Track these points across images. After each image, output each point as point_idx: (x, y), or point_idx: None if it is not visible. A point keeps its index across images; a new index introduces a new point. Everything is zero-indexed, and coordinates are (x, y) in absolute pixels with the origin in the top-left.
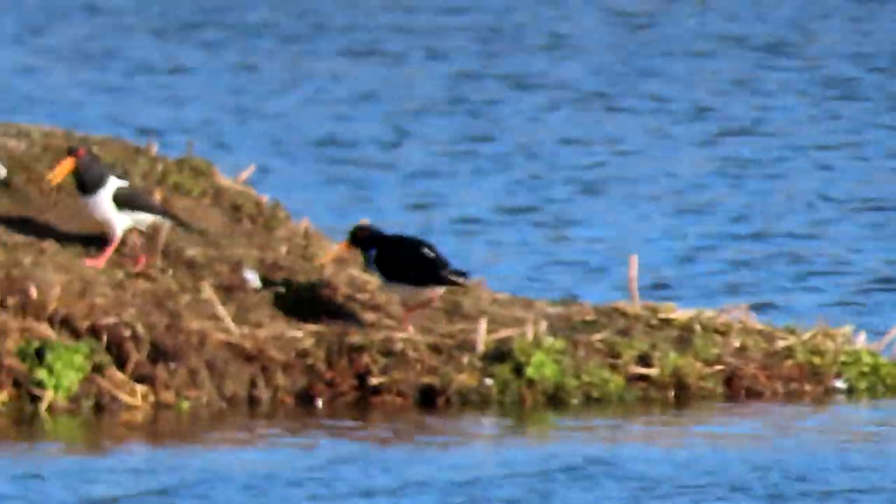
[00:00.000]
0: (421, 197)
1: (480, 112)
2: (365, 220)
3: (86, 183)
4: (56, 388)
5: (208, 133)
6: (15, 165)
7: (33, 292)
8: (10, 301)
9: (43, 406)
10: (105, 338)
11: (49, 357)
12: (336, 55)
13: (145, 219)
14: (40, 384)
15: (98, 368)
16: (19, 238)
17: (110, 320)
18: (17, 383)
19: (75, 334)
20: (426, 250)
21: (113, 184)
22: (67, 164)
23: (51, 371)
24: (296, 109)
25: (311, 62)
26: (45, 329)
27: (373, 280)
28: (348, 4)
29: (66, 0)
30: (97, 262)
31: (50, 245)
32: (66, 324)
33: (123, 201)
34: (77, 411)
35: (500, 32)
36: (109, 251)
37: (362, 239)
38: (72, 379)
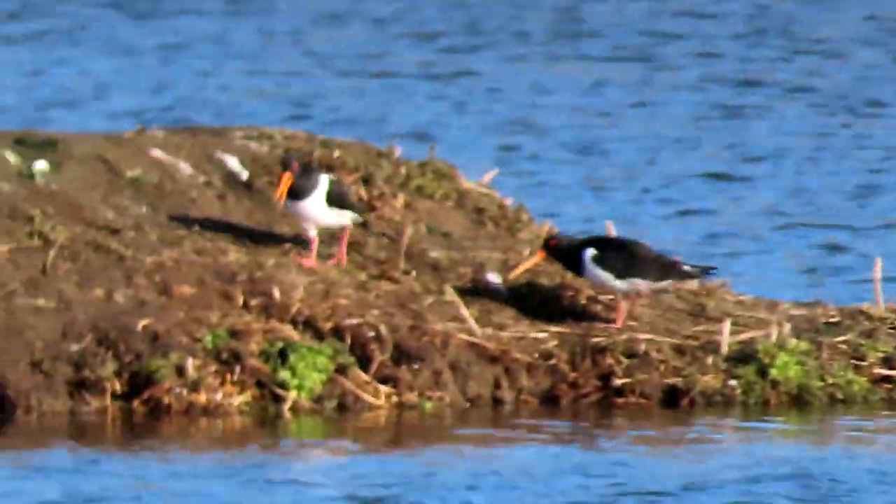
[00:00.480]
0: (674, 205)
1: (747, 121)
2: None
3: (297, 191)
4: (299, 388)
5: (452, 135)
6: (257, 168)
7: (276, 294)
8: (254, 302)
9: (286, 406)
10: (348, 339)
11: (292, 358)
12: (602, 59)
13: (350, 217)
14: (283, 385)
15: (341, 369)
16: (262, 240)
17: (353, 321)
18: (260, 384)
19: (318, 335)
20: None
21: (324, 183)
22: (287, 180)
23: (294, 372)
24: (545, 113)
25: (573, 66)
26: (288, 330)
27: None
28: (614, 11)
29: (333, 6)
30: (338, 261)
31: (292, 247)
32: (309, 325)
33: (335, 199)
34: (320, 412)
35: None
36: (344, 246)
37: (561, 246)
38: (315, 380)
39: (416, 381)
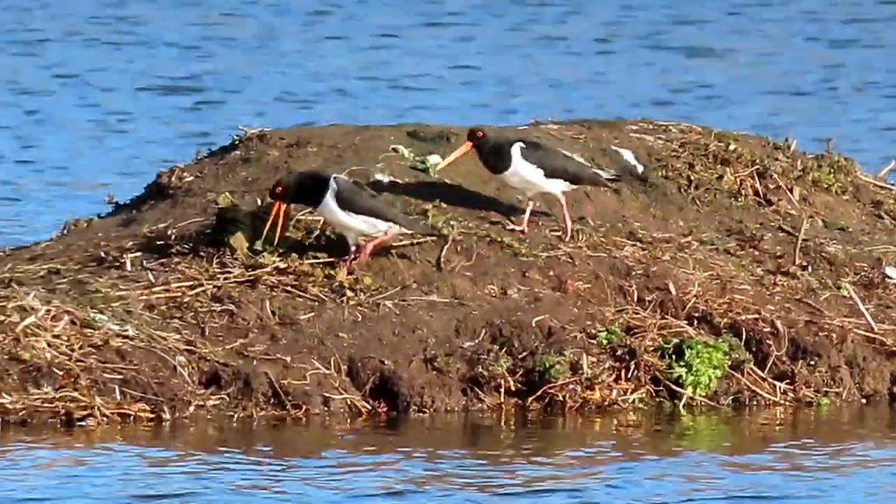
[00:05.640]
0: None
1: None
2: None
3: (492, 163)
4: (695, 385)
5: (849, 130)
6: (653, 161)
7: (672, 289)
8: (649, 297)
9: (681, 403)
10: (744, 334)
11: (688, 354)
12: None
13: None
14: (679, 381)
15: (737, 365)
16: (658, 235)
17: (750, 316)
18: (655, 380)
19: (714, 331)
20: None
21: (518, 150)
22: (463, 148)
23: (689, 368)
24: None
25: None
26: (683, 326)
27: None
28: None
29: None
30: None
31: (689, 241)
32: (704, 320)
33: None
34: (716, 408)
35: None
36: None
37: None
38: (710, 376)
39: (812, 377)
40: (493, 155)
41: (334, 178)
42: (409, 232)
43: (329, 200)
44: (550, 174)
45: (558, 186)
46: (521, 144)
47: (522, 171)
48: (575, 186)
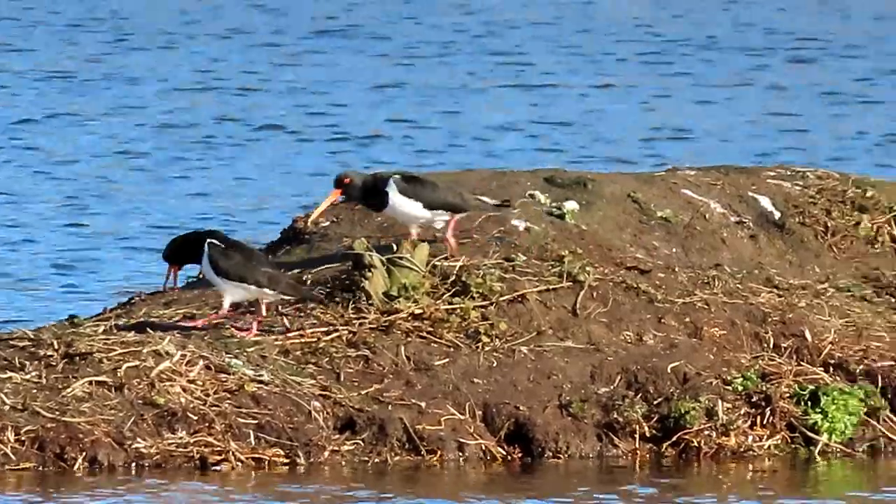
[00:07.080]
0: None
1: None
2: None
3: (371, 203)
4: (830, 431)
5: None
6: (790, 208)
7: (808, 336)
8: (785, 344)
9: (817, 450)
10: (880, 381)
11: (823, 401)
12: None
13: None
14: (814, 428)
15: (873, 412)
16: (794, 281)
17: (886, 364)
18: (791, 427)
19: (850, 378)
20: None
21: (393, 186)
22: (332, 196)
23: (825, 415)
24: None
25: None
26: (819, 373)
27: None
28: None
29: None
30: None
31: (825, 288)
32: (840, 367)
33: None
34: (851, 455)
35: None
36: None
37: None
38: (846, 423)
39: None
40: (369, 195)
41: (208, 242)
42: (287, 298)
43: (205, 264)
44: (429, 205)
45: (440, 217)
46: (397, 177)
47: (400, 205)
48: (459, 215)
